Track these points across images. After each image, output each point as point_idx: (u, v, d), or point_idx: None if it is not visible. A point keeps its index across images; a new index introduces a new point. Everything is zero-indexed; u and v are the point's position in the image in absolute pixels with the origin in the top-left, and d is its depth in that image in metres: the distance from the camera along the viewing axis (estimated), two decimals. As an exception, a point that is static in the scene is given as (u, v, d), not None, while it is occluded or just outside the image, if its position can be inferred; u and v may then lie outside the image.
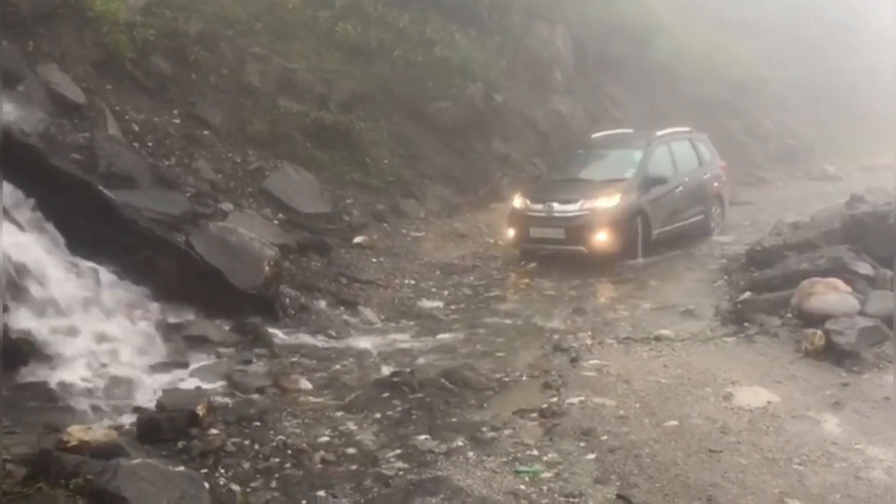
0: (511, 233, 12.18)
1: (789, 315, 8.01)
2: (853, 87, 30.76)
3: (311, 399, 6.84)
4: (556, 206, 11.56)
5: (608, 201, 11.39)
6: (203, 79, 13.03)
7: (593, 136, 13.83)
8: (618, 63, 22.12)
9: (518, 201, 12.18)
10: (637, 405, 6.18)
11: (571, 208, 11.46)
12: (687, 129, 13.89)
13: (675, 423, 5.83)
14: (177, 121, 11.89)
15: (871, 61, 33.32)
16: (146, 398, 6.55)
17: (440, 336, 8.84)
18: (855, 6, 34.82)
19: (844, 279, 8.12)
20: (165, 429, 5.74)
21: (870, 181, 17.59)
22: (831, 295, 7.76)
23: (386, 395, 6.88)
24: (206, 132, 12.13)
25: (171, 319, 8.01)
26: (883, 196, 13.38)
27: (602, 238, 11.26)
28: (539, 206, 11.73)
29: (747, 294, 8.99)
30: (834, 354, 6.95)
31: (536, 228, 11.72)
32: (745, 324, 8.10)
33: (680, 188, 12.60)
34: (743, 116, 25.28)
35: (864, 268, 8.55)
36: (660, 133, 12.94)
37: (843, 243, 9.35)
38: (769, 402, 6.13)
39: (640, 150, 12.31)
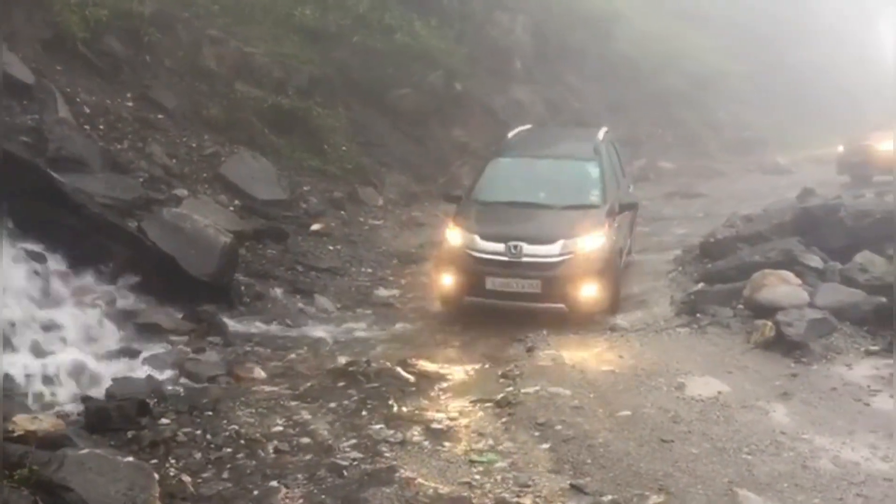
0: (447, 282, 8.59)
1: (741, 306, 8.14)
2: (807, 81, 31.39)
3: (266, 388, 6.77)
4: (525, 246, 8.25)
5: (592, 241, 8.40)
6: (157, 61, 12.80)
7: (510, 136, 10.39)
8: (578, 53, 22.27)
9: (455, 236, 8.67)
10: (591, 395, 6.23)
11: (550, 251, 8.27)
12: (606, 128, 10.76)
13: (628, 412, 5.89)
14: (130, 104, 11.66)
15: (824, 56, 34.03)
16: (95, 387, 6.42)
17: (397, 325, 8.82)
18: (810, 3, 35.49)
19: (795, 271, 8.27)
20: (114, 418, 5.65)
21: (821, 174, 18.00)
22: (782, 287, 7.89)
23: (341, 384, 6.83)
24: (160, 116, 11.91)
25: (123, 307, 7.85)
26: (832, 189, 13.70)
27: (590, 293, 8.24)
28: (498, 247, 8.33)
29: (701, 285, 9.11)
30: (783, 345, 7.08)
31: (496, 279, 8.28)
32: (698, 315, 8.21)
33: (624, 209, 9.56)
34: (700, 108, 25.65)
35: (814, 260, 8.71)
36: (600, 136, 10.11)
37: (795, 236, 9.51)
38: (720, 393, 6.22)
39: (594, 162, 9.41)
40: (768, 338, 7.23)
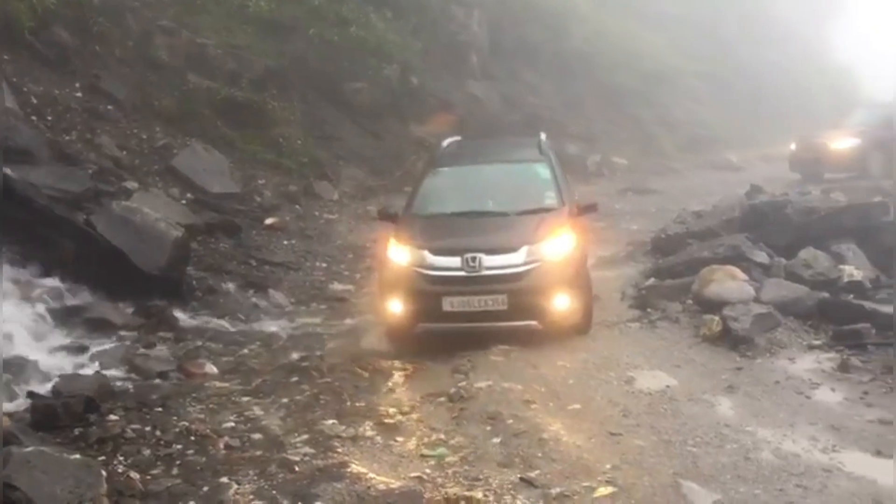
0: (396, 309, 7.43)
1: (690, 301, 8.29)
2: (761, 80, 31.95)
3: (217, 384, 6.73)
4: (484, 258, 7.22)
5: (560, 245, 7.44)
6: (107, 51, 12.59)
7: (444, 147, 9.29)
8: (534, 49, 22.40)
9: (400, 253, 7.55)
10: (543, 389, 6.29)
11: (513, 261, 7.25)
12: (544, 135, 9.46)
13: (578, 406, 5.96)
14: (78, 94, 11.46)
15: (779, 55, 34.69)
16: (42, 384, 6.31)
17: (351, 320, 8.81)
18: (765, 4, 36.14)
19: (742, 267, 8.45)
20: (61, 415, 5.57)
21: (768, 171, 18.39)
22: (729, 282, 8.05)
23: (294, 379, 6.83)
24: (109, 107, 11.73)
25: (71, 302, 7.74)
26: (781, 186, 14.01)
27: (564, 305, 7.26)
28: (452, 262, 7.28)
29: (651, 280, 9.26)
30: (730, 340, 7.23)
31: (454, 299, 7.19)
32: (649, 309, 8.35)
33: None
34: (655, 106, 25.97)
35: (761, 256, 8.91)
36: (542, 137, 9.20)
37: (743, 232, 9.72)
38: (668, 386, 6.33)
39: (542, 163, 8.55)
40: (715, 332, 7.37)
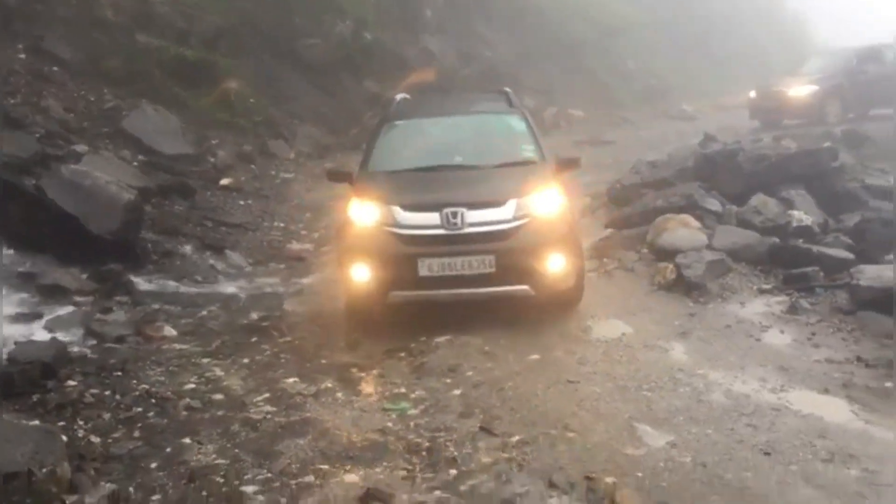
0: (361, 276, 6.52)
1: (645, 250, 8.43)
2: (714, 31, 32.12)
3: (176, 346, 6.70)
4: (466, 213, 6.37)
5: (551, 200, 6.67)
6: (50, 10, 12.23)
7: (397, 101, 8.36)
8: (489, 2, 22.21)
9: (364, 211, 6.67)
10: (502, 341, 6.37)
11: (501, 215, 6.44)
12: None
13: (537, 356, 6.06)
14: (22, 56, 11.14)
15: (732, 7, 34.81)
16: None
17: (310, 279, 8.80)
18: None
19: (695, 215, 8.60)
20: (18, 382, 5.50)
21: (723, 121, 18.59)
22: (682, 230, 8.20)
23: (254, 339, 6.83)
24: (55, 68, 11.44)
25: (23, 268, 7.61)
26: (732, 135, 14.18)
27: (559, 266, 6.49)
28: (430, 218, 6.42)
29: (608, 231, 9.37)
30: (683, 287, 7.39)
31: (433, 261, 6.33)
32: (605, 259, 8.46)
33: None
34: (609, 57, 26.01)
35: (714, 204, 9.07)
36: (508, 90, 8.44)
37: (696, 181, 9.87)
38: (624, 334, 6.46)
39: (516, 116, 7.83)
40: (669, 280, 7.52)
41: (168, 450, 4.83)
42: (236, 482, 4.39)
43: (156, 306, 7.64)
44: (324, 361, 6.28)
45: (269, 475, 4.46)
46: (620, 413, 5.05)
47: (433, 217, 6.40)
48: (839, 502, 3.96)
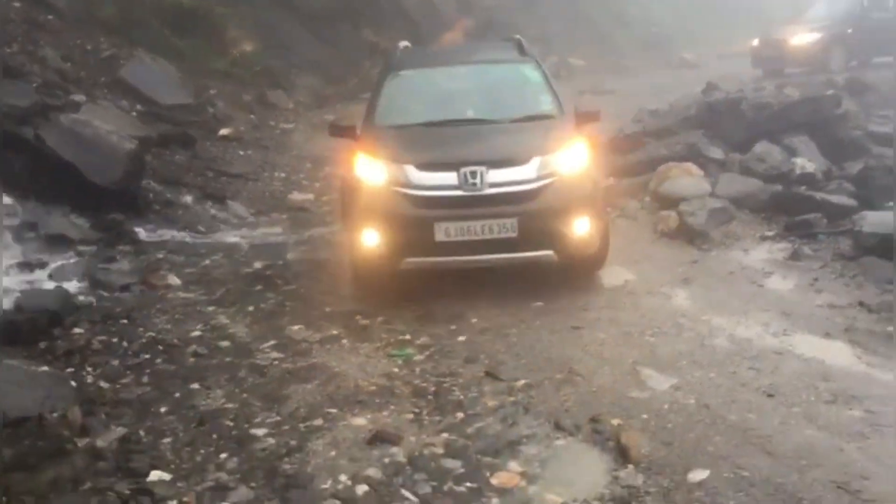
0: (371, 242, 6.05)
1: (648, 199, 8.42)
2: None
3: (181, 295, 6.72)
4: (485, 172, 5.87)
5: (576, 158, 6.18)
6: (43, -43, 11.98)
7: (400, 51, 7.77)
8: (488, -52, 21.85)
9: (372, 170, 6.17)
10: (506, 288, 6.39)
11: (524, 175, 5.96)
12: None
13: (541, 303, 6.09)
14: (17, 4, 10.98)
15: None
16: (3, 300, 6.25)
17: (313, 229, 8.80)
18: None
19: (698, 163, 8.58)
20: (25, 330, 5.55)
21: (725, 69, 18.39)
22: (685, 179, 8.19)
23: (258, 288, 6.85)
24: (50, 17, 11.28)
25: (26, 218, 7.59)
26: (735, 83, 14.04)
27: (584, 230, 6.03)
28: (447, 178, 5.92)
29: (610, 180, 9.34)
30: (686, 234, 7.41)
31: (451, 225, 5.85)
32: (608, 208, 8.43)
33: None
34: (610, 6, 25.67)
35: (717, 152, 9.04)
36: (518, 36, 7.91)
37: (699, 129, 9.82)
38: (627, 281, 6.49)
39: (530, 65, 7.27)
40: (672, 228, 7.53)
41: (177, 395, 4.88)
42: (246, 425, 4.45)
43: (159, 255, 7.64)
44: (328, 309, 6.29)
45: (279, 418, 4.52)
46: (625, 358, 5.10)
47: (450, 177, 5.89)
48: (842, 442, 4.02)
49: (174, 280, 7.01)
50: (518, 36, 7.95)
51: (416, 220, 5.89)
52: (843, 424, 4.18)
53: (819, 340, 5.30)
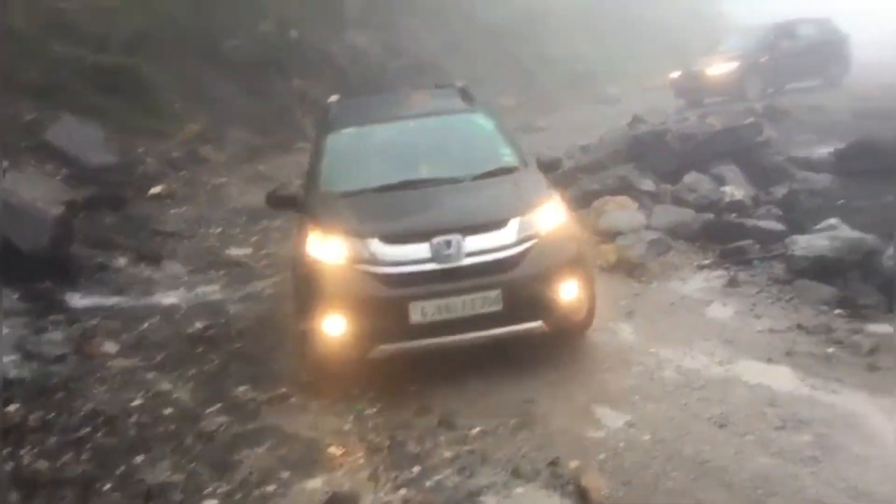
0: (336, 330, 5.31)
1: (586, 234, 8.51)
2: (633, 12, 32.61)
3: (119, 362, 6.50)
4: (461, 241, 5.27)
5: (554, 214, 5.66)
6: (-42, 23, 11.71)
7: (334, 106, 7.36)
8: (410, -6, 22.15)
9: (331, 248, 5.45)
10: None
11: (504, 239, 5.36)
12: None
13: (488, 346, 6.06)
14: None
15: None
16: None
17: (253, 284, 8.64)
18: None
19: (631, 196, 8.74)
20: (-45, 412, 5.28)
21: (649, 101, 18.94)
22: (620, 212, 8.33)
23: (200, 349, 6.68)
24: (-33, 83, 10.96)
25: (-51, 293, 7.29)
26: (660, 115, 14.46)
27: (573, 295, 5.51)
28: (418, 250, 5.29)
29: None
30: (625, 267, 7.51)
31: (425, 303, 5.19)
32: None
33: None
34: (534, 44, 26.17)
35: (648, 184, 9.24)
36: (460, 84, 7.49)
37: (629, 162, 10.02)
38: (572, 318, 6.52)
39: (480, 113, 6.97)
40: (612, 261, 7.63)
41: (121, 469, 4.70)
42: (196, 497, 4.31)
43: (93, 322, 7.39)
44: (275, 367, 6.17)
45: (230, 487, 4.40)
46: (578, 396, 5.11)
47: (421, 248, 5.24)
48: (795, 468, 4.08)
49: (111, 347, 6.79)
50: (460, 83, 7.53)
51: (387, 301, 5.18)
52: (795, 450, 4.25)
53: (763, 366, 5.40)
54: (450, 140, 6.67)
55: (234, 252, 9.82)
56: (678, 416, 4.75)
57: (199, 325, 7.30)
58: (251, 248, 10.01)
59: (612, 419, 4.77)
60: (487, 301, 5.21)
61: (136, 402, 5.68)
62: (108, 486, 4.50)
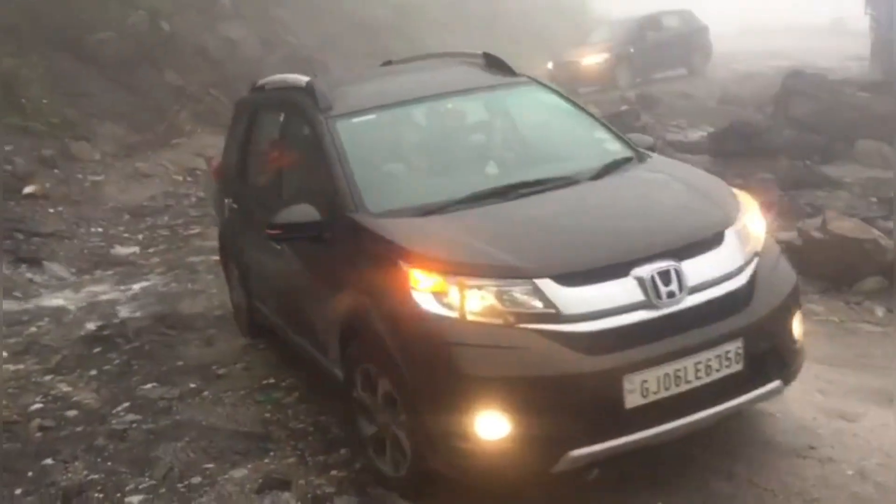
0: (496, 433, 3.19)
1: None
2: (500, 5, 33.29)
3: (11, 367, 6.18)
4: (679, 269, 3.36)
5: (756, 217, 3.90)
6: None
7: (318, 86, 4.61)
8: (284, -14, 21.83)
9: (460, 298, 3.27)
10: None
11: (727, 263, 3.52)
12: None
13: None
14: None
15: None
16: None
17: (143, 282, 8.37)
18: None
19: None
20: None
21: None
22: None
23: (98, 349, 6.44)
24: None
25: None
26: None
27: (799, 329, 3.74)
28: (617, 290, 3.28)
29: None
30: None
31: (647, 374, 3.20)
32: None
33: None
34: (408, 37, 26.26)
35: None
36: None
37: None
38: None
39: (538, 87, 4.99)
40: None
41: (30, 474, 4.49)
42: (118, 494, 4.18)
43: (-26, 330, 6.98)
44: (180, 363, 6.02)
45: (153, 482, 4.27)
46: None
47: (625, 288, 3.31)
48: None
49: (-1, 354, 6.44)
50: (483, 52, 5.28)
51: (587, 378, 3.20)
52: None
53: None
54: (520, 124, 4.97)
55: (121, 251, 9.48)
56: None
57: (92, 325, 7.05)
58: (138, 247, 9.69)
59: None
60: (725, 359, 3.37)
61: (36, 406, 5.44)
62: (19, 490, 4.30)
